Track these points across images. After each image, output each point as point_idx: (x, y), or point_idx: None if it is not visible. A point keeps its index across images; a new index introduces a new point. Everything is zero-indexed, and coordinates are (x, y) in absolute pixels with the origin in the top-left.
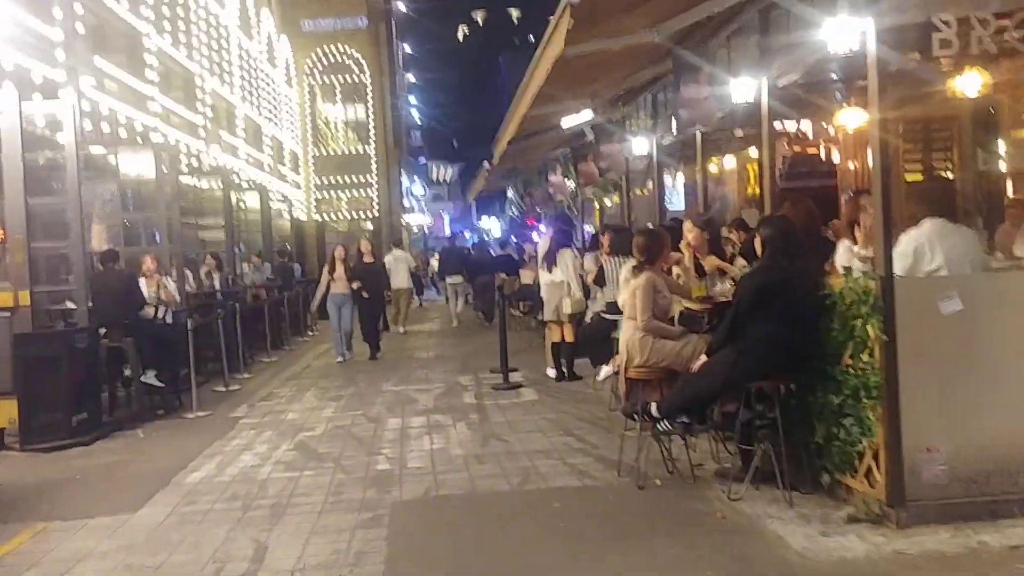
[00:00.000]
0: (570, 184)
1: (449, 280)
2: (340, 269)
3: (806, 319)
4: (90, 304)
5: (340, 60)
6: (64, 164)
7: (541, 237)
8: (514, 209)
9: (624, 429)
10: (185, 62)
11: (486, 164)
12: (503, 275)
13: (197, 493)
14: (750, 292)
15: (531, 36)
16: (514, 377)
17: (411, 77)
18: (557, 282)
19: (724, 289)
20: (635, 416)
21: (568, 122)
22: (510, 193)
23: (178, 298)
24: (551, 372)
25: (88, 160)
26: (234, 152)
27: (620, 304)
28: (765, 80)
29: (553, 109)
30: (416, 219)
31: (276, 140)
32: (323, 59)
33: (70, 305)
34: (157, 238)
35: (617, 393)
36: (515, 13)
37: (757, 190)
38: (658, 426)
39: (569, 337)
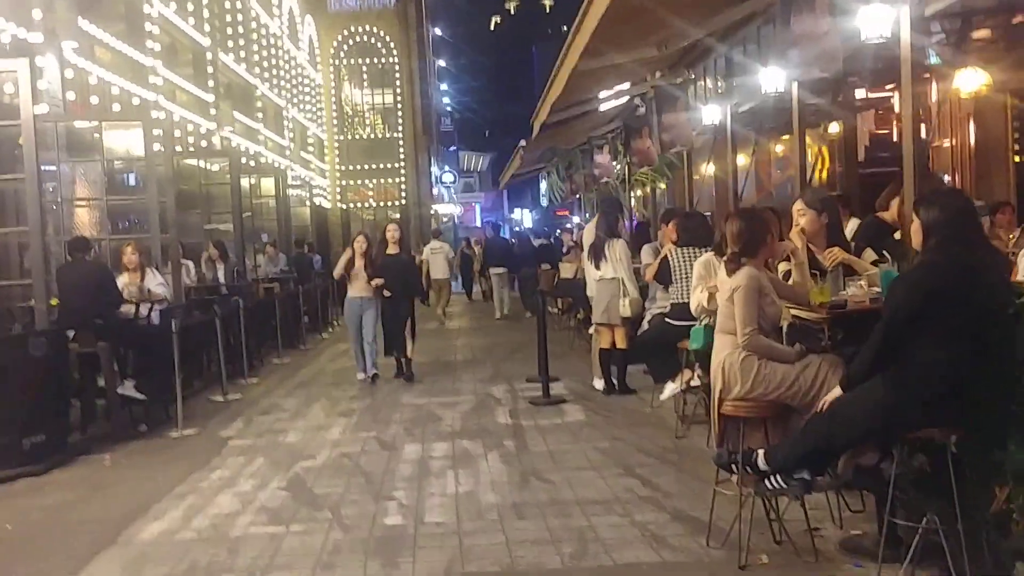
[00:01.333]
0: (617, 166)
1: (493, 271)
2: (360, 265)
3: (992, 340)
4: (52, 303)
5: (368, 41)
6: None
7: (586, 225)
8: (556, 193)
9: (716, 482)
10: (194, 34)
11: (522, 141)
12: (546, 266)
13: (145, 559)
14: (912, 300)
15: (564, 27)
16: (555, 389)
17: (441, 62)
18: (608, 279)
19: (859, 292)
20: (733, 467)
21: (619, 90)
22: (543, 185)
23: (165, 294)
24: (598, 384)
25: (74, 136)
26: (252, 135)
27: (695, 309)
28: (906, 7)
29: (604, 66)
30: (446, 209)
31: (299, 124)
32: (350, 40)
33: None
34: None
35: (684, 416)
36: (548, 2)
37: (824, 175)
38: (766, 482)
39: (622, 343)
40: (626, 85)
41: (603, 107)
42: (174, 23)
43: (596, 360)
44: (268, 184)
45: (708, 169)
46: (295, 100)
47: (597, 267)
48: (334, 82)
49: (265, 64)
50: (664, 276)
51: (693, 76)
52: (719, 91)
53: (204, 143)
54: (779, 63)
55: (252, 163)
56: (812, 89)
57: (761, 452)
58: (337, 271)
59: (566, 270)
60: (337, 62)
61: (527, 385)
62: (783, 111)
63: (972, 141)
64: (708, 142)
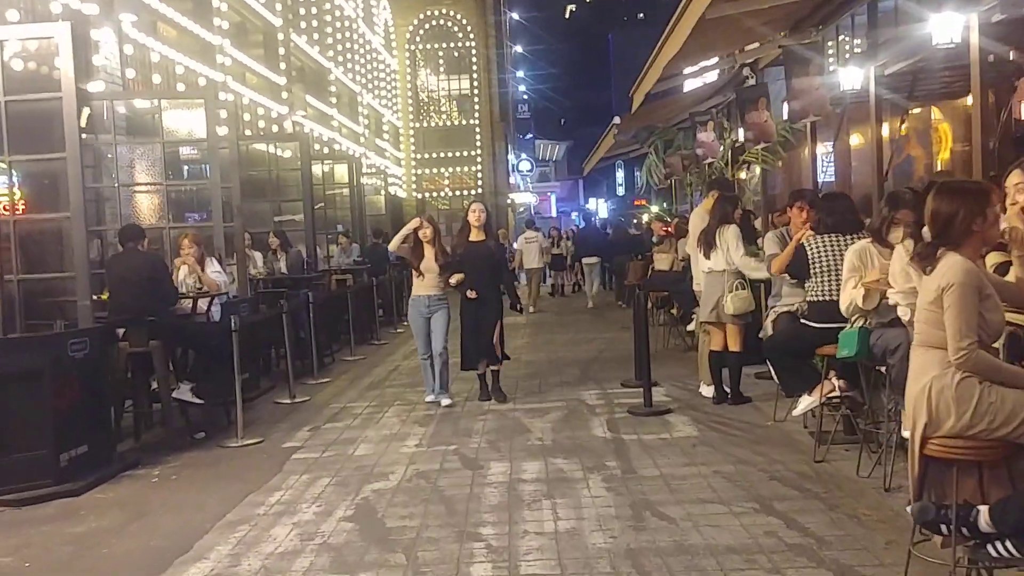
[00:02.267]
0: (722, 145)
1: (586, 261)
2: (431, 255)
3: None
4: (100, 297)
5: (444, 25)
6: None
7: (695, 208)
8: (655, 175)
9: (912, 542)
10: (265, 13)
11: (616, 119)
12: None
13: None
14: None
15: (641, 14)
16: (656, 396)
17: (518, 48)
18: (720, 271)
19: None
20: (942, 526)
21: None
22: (619, 174)
23: (222, 283)
24: (707, 391)
25: (137, 120)
26: (325, 120)
27: (845, 308)
28: None
29: (740, 12)
30: (522, 198)
31: (373, 110)
32: (426, 24)
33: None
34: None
35: (822, 434)
36: None
37: (947, 155)
38: (990, 548)
39: (735, 345)
40: (755, 45)
41: (710, 77)
42: (244, 1)
43: (704, 363)
44: (342, 172)
45: (830, 145)
46: (370, 86)
47: (708, 257)
48: (409, 68)
49: (339, 48)
50: (799, 269)
51: (822, 37)
52: (859, 50)
53: (275, 127)
54: (958, 5)
55: (325, 150)
56: (998, 36)
57: (984, 509)
58: (394, 243)
59: (661, 261)
60: (413, 47)
61: (622, 391)
62: (955, 69)
63: None
64: (834, 114)
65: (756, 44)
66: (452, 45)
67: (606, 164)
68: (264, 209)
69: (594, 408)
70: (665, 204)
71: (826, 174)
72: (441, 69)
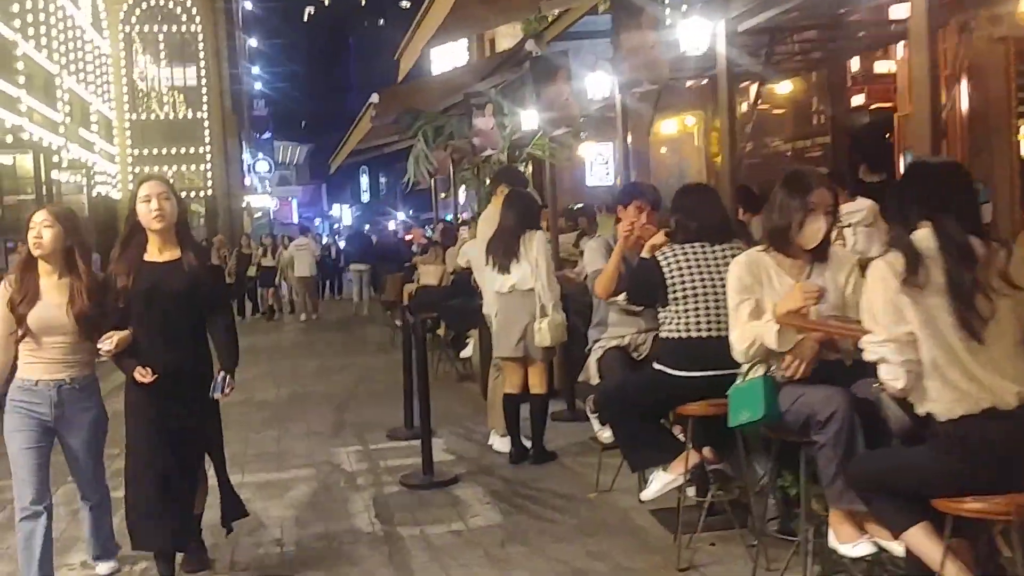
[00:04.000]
0: (501, 132)
1: (354, 267)
2: (55, 292)
3: None
4: None
5: (165, 6)
6: None
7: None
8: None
9: None
10: None
11: (374, 97)
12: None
13: None
14: None
15: (381, 20)
16: (437, 452)
17: (253, 42)
18: (524, 290)
19: None
20: None
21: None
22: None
23: None
24: (500, 444)
25: None
26: (11, 104)
27: (742, 348)
28: None
29: None
30: (260, 201)
31: (77, 97)
32: (143, 3)
33: None
34: None
35: (685, 526)
36: None
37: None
38: None
39: (539, 386)
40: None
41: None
42: None
43: (498, 410)
44: (26, 165)
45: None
46: (72, 68)
47: (506, 271)
48: (124, 52)
49: (28, 18)
50: (645, 292)
51: None
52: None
53: None
54: None
55: (9, 138)
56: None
57: None
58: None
59: (427, 274)
60: (128, 28)
61: (390, 446)
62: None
63: None
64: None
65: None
66: (175, 29)
67: (350, 168)
68: None
69: (355, 477)
70: (412, 211)
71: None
72: (162, 56)
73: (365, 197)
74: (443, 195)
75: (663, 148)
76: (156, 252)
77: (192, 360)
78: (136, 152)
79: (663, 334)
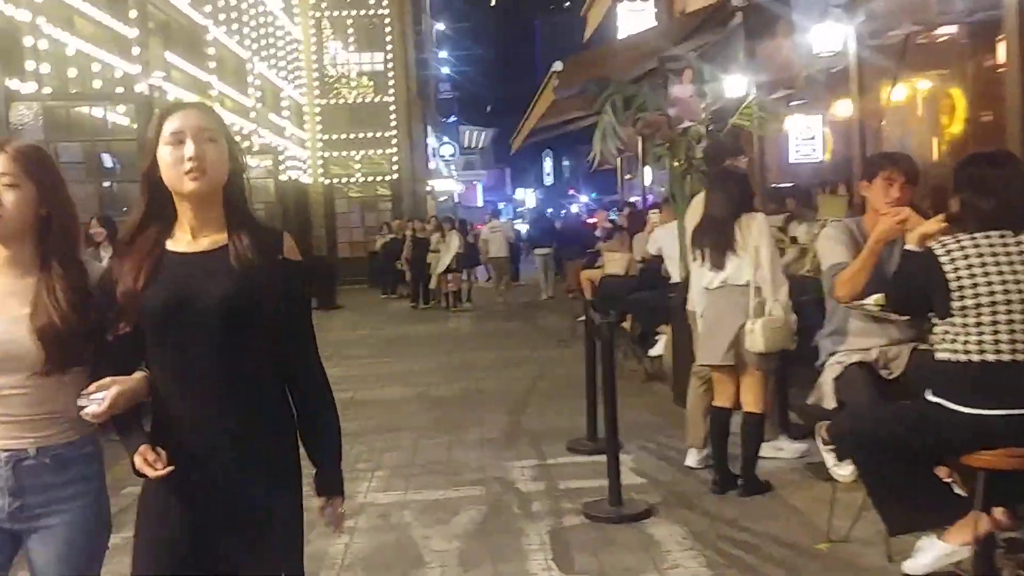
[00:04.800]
0: (701, 100)
1: (537, 251)
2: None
3: None
4: None
5: None
6: None
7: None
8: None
9: None
10: None
11: (557, 65)
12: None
13: None
14: None
15: (567, 2)
16: (624, 472)
17: (441, 26)
18: (736, 285)
19: None
20: None
21: None
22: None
23: None
24: (693, 459)
25: None
26: (200, 88)
27: None
28: None
29: None
30: (445, 185)
31: (269, 82)
32: None
33: None
34: None
35: None
36: None
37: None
38: None
39: (755, 404)
40: None
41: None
42: None
43: (697, 424)
44: None
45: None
46: (264, 54)
47: (718, 266)
48: (315, 37)
49: (220, 3)
50: (916, 296)
51: None
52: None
53: (121, 91)
54: None
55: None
56: None
57: None
58: None
59: (612, 263)
60: (318, 14)
61: (570, 461)
62: None
63: None
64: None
65: None
66: (363, 14)
67: (533, 152)
68: (89, 191)
69: (530, 500)
70: (596, 194)
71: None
72: (351, 41)
73: (548, 180)
74: (628, 176)
75: (901, 115)
76: (187, 237)
77: (256, 436)
78: (325, 137)
79: (942, 355)
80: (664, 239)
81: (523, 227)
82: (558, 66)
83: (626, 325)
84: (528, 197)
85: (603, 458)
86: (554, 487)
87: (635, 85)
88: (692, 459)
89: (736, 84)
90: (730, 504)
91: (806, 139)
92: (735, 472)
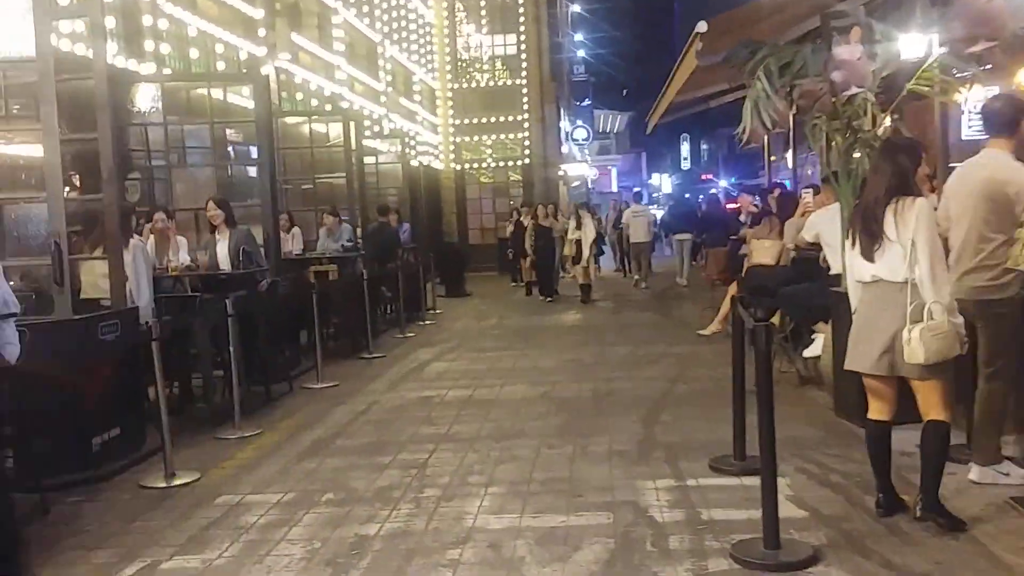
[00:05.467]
0: (873, 62)
1: (676, 237)
2: None
3: None
4: None
5: None
6: None
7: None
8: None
9: None
10: None
11: (701, 26)
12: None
13: None
14: None
15: None
16: (783, 506)
17: (576, 8)
18: (895, 282)
19: None
20: None
21: None
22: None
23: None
24: (985, 475)
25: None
26: (328, 70)
27: None
28: None
29: None
30: (577, 170)
31: (400, 66)
32: None
33: None
34: None
35: None
36: None
37: None
38: None
39: (936, 410)
40: None
41: None
42: None
43: (987, 432)
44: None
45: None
46: (396, 36)
47: (867, 256)
48: (448, 20)
49: None
50: None
51: None
52: None
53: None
54: None
55: (328, 107)
56: None
57: None
58: None
59: (761, 251)
60: None
61: (714, 483)
62: None
63: None
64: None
65: None
66: None
67: (670, 135)
68: (207, 175)
69: (666, 534)
70: (736, 178)
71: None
72: (484, 24)
73: (685, 164)
74: (773, 158)
75: None
76: None
77: None
78: (457, 122)
79: None
80: (823, 224)
81: (658, 212)
82: (702, 26)
83: (775, 321)
84: (663, 182)
85: (754, 481)
86: (695, 517)
87: (792, 47)
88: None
89: (914, 43)
90: (916, 550)
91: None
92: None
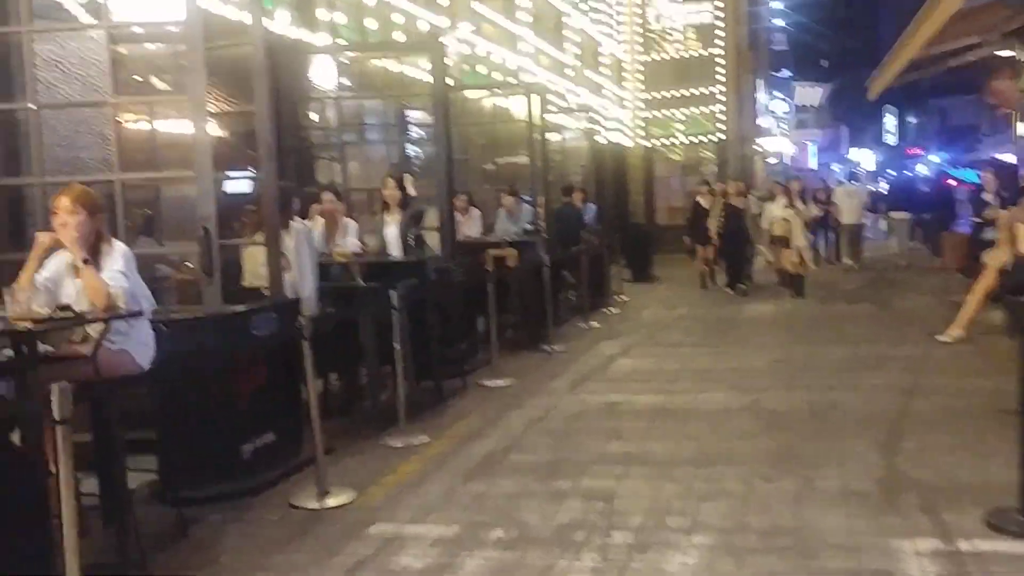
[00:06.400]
0: None
1: (894, 215)
2: None
3: None
4: None
5: None
6: None
7: None
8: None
9: None
10: None
11: None
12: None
13: None
14: None
15: None
16: None
17: None
18: None
19: None
20: None
21: None
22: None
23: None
24: None
25: None
26: (510, 42)
27: None
28: None
29: None
30: (775, 144)
31: (588, 37)
32: None
33: None
34: None
35: None
36: None
37: None
38: None
39: None
40: None
41: None
42: None
43: None
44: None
45: None
46: (583, 7)
47: None
48: None
49: None
50: None
51: None
52: None
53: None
54: None
55: (511, 79)
56: None
57: None
58: None
59: None
60: None
61: (995, 549)
62: None
63: None
64: None
65: None
66: None
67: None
68: (383, 154)
69: None
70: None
71: None
72: None
73: (890, 140)
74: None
75: None
76: None
77: None
78: (646, 96)
79: None
80: None
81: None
82: None
83: None
84: (865, 158)
85: None
86: None
87: None
88: None
89: None
90: None
91: None
92: None
